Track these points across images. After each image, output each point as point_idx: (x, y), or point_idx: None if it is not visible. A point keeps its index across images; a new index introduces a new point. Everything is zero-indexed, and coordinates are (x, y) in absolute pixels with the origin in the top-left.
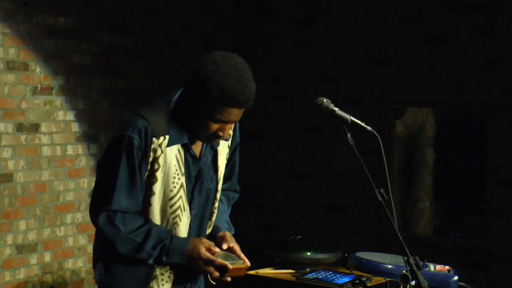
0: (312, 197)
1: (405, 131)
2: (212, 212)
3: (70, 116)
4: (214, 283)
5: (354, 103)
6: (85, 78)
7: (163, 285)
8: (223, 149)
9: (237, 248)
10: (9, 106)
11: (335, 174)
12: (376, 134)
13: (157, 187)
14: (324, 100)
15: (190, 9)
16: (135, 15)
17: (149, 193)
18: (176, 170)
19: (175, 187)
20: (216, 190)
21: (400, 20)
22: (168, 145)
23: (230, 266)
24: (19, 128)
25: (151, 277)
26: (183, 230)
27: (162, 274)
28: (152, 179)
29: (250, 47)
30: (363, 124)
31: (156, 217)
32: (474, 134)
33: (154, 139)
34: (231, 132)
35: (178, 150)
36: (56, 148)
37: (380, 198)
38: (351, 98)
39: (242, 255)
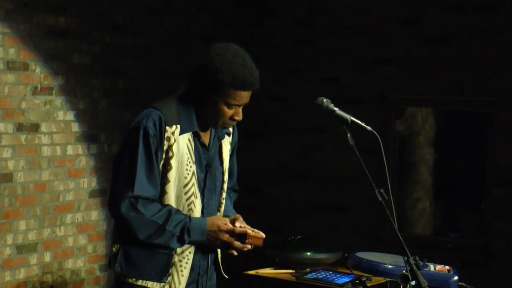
0: (312, 197)
1: (405, 131)
2: (221, 203)
3: (70, 116)
4: (227, 277)
5: (354, 103)
6: (85, 78)
7: (181, 271)
8: (226, 142)
9: (248, 227)
10: (9, 106)
11: (335, 174)
12: (376, 134)
13: (172, 175)
14: (324, 100)
15: (190, 9)
16: (135, 15)
17: (164, 181)
18: (188, 158)
19: (188, 174)
20: (223, 181)
21: (400, 20)
22: (180, 133)
23: (250, 232)
24: (19, 128)
25: (170, 264)
26: (197, 216)
27: (180, 261)
28: (167, 167)
29: (250, 47)
30: (363, 124)
31: (172, 205)
32: (474, 134)
33: (167, 127)
34: (240, 116)
35: (189, 139)
36: (56, 148)
37: (380, 198)
38: (351, 98)
39: (256, 230)
